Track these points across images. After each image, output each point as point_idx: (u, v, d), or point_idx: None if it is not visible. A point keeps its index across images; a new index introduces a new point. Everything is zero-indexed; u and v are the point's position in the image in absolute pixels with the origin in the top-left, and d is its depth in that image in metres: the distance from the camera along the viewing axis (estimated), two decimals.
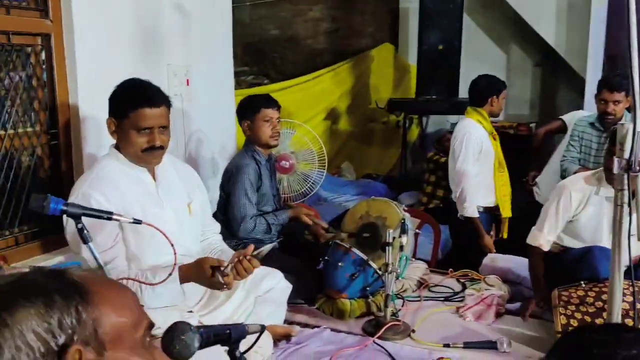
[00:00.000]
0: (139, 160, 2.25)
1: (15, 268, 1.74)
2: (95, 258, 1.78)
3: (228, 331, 1.20)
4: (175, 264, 1.96)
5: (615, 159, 1.66)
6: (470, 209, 3.60)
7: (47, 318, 0.68)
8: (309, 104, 5.96)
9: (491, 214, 3.80)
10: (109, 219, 1.83)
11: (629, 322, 2.22)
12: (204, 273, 2.15)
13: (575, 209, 2.70)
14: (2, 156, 2.84)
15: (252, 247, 2.16)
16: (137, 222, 1.85)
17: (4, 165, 2.85)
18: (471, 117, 3.75)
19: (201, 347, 1.12)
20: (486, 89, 3.79)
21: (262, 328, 1.34)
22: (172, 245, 1.91)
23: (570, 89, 6.11)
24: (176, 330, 1.09)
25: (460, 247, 3.91)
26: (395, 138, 6.63)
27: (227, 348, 1.24)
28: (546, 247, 2.76)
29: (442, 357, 2.12)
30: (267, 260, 2.44)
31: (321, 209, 4.59)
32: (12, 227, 2.96)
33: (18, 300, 0.69)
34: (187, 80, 3.84)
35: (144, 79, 2.36)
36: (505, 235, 3.75)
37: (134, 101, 2.19)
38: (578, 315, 2.36)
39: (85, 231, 1.78)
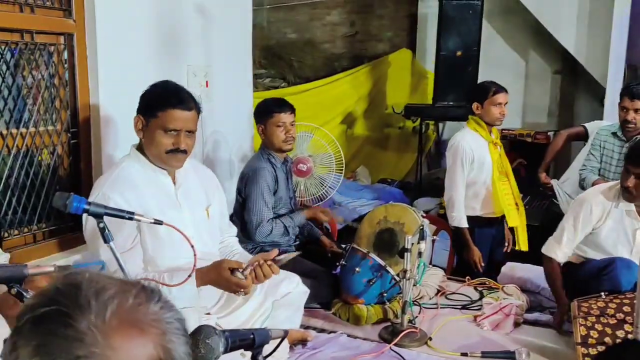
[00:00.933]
0: (161, 162, 2.25)
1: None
2: (116, 258, 1.78)
3: (252, 336, 1.19)
4: (194, 266, 1.95)
5: None
6: (457, 218, 3.55)
7: None
8: (325, 107, 5.97)
9: (497, 225, 3.72)
10: (131, 218, 1.83)
11: None
12: (222, 275, 2.15)
13: (596, 223, 2.67)
14: (23, 154, 2.87)
15: (276, 251, 2.16)
16: (159, 222, 1.85)
17: (25, 163, 2.88)
18: (469, 125, 3.71)
19: (225, 351, 1.11)
20: (471, 95, 3.77)
21: (285, 333, 1.33)
22: (192, 246, 1.90)
23: (590, 97, 6.05)
24: (201, 333, 1.09)
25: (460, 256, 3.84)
26: (411, 143, 6.60)
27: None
28: (562, 260, 2.73)
29: None
30: (284, 264, 2.43)
31: (336, 213, 4.59)
32: (31, 224, 2.99)
33: None
34: (207, 82, 3.86)
35: (177, 83, 2.37)
36: (522, 247, 3.60)
37: (165, 101, 2.20)
38: (599, 327, 2.32)
39: (106, 230, 1.77)
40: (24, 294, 1.33)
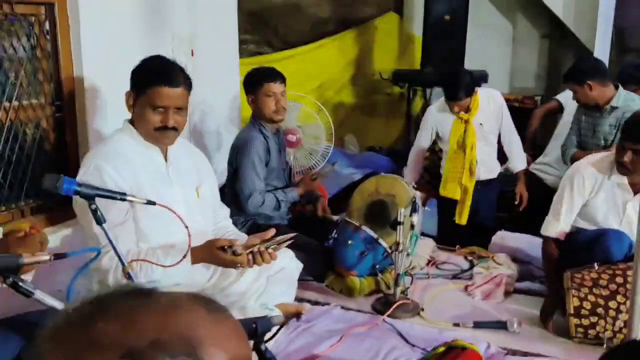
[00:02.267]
0: (151, 139, 2.21)
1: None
2: (109, 240, 1.75)
3: (254, 325, 1.18)
4: (189, 246, 1.94)
5: None
6: (405, 173, 4.03)
7: None
8: (312, 74, 5.87)
9: (484, 188, 3.81)
10: (123, 199, 1.80)
11: None
12: (215, 254, 2.15)
13: (589, 194, 2.67)
14: (7, 129, 2.80)
15: (272, 231, 2.15)
16: (151, 203, 1.82)
17: (9, 138, 2.81)
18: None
19: None
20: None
21: (284, 318, 1.33)
22: (186, 227, 1.88)
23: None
24: None
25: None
26: (398, 110, 6.56)
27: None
28: (562, 236, 2.71)
29: (456, 340, 2.11)
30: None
31: (325, 182, 4.56)
32: (18, 200, 2.94)
33: None
34: (192, 51, 3.77)
35: (169, 58, 2.31)
36: (460, 221, 3.71)
37: (153, 78, 2.15)
38: (591, 298, 2.35)
39: (98, 212, 1.74)
40: (20, 283, 1.31)
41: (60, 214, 3.11)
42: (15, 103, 2.82)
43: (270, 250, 2.16)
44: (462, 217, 3.75)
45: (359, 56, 6.37)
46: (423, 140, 3.94)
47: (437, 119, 3.83)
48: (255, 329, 1.18)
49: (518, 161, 3.83)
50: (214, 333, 0.61)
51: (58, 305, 1.36)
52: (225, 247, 2.15)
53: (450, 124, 3.74)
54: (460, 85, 3.58)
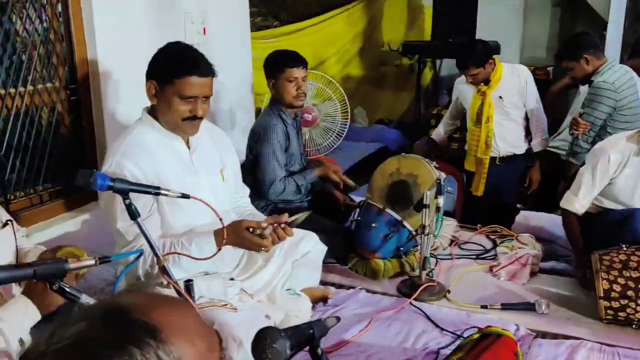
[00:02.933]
0: (177, 129, 2.16)
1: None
2: (145, 235, 1.72)
3: (312, 330, 1.16)
4: (223, 241, 1.91)
5: None
6: (435, 132, 4.30)
7: None
8: (320, 47, 5.79)
9: (507, 165, 3.87)
10: (157, 194, 1.76)
11: None
12: (242, 236, 2.11)
13: (613, 173, 2.64)
14: (22, 113, 2.76)
15: (286, 216, 2.11)
16: (185, 196, 1.79)
17: (25, 123, 2.77)
18: None
19: (290, 351, 1.08)
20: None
21: (338, 320, 1.31)
22: (220, 219, 1.86)
23: (590, 30, 5.90)
24: (267, 337, 1.05)
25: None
26: (407, 82, 6.49)
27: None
28: (580, 212, 2.72)
29: (490, 326, 2.10)
30: (298, 224, 2.41)
31: (336, 157, 4.53)
32: (36, 185, 2.91)
33: None
34: (204, 29, 3.70)
35: (189, 44, 2.24)
36: (475, 192, 3.87)
37: (182, 68, 2.08)
38: (621, 281, 2.33)
39: (133, 207, 1.71)
40: (66, 288, 1.29)
41: (78, 199, 3.09)
42: (30, 88, 2.77)
43: (283, 226, 2.10)
44: (478, 189, 3.84)
45: (367, 28, 6.27)
46: (448, 115, 4.19)
47: (460, 91, 3.95)
48: (313, 334, 1.16)
49: (536, 142, 3.82)
50: (177, 321, 0.66)
51: None
52: (251, 228, 2.12)
53: (471, 96, 3.80)
54: (469, 55, 3.59)
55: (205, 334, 0.70)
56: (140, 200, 1.96)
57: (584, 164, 3.28)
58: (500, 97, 3.71)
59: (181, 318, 0.68)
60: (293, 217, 2.19)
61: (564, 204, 2.78)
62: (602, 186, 2.67)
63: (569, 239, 2.81)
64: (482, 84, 3.67)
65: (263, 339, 1.05)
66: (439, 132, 4.26)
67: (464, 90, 3.89)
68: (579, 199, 2.72)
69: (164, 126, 2.17)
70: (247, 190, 2.64)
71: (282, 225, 2.12)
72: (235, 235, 2.09)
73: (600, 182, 2.67)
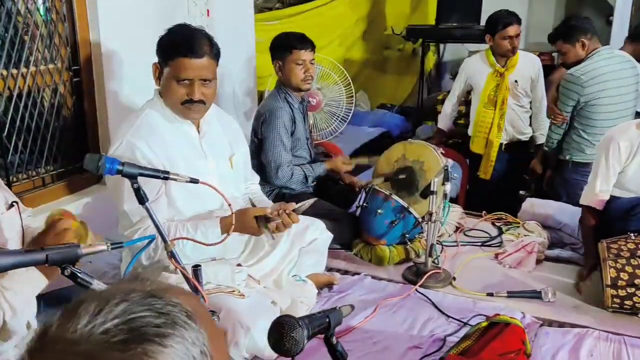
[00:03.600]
0: (179, 112, 2.13)
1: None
2: (153, 219, 1.70)
3: (327, 319, 1.14)
4: (232, 224, 1.89)
5: None
6: (440, 119, 4.25)
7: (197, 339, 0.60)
8: (323, 30, 5.71)
9: (513, 151, 3.89)
10: (166, 178, 1.74)
11: None
12: (248, 224, 2.11)
13: (626, 160, 2.62)
14: (25, 95, 2.72)
15: (293, 204, 2.10)
16: (194, 181, 1.76)
17: (27, 104, 2.74)
18: (486, 50, 3.88)
19: (307, 341, 1.06)
20: (486, 26, 3.82)
21: (352, 308, 1.30)
22: (229, 205, 1.84)
23: (596, 16, 5.86)
24: (284, 326, 1.03)
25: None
26: (411, 66, 6.44)
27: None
28: (600, 204, 2.67)
29: (498, 314, 2.09)
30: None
31: (339, 142, 4.50)
32: (38, 167, 2.89)
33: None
34: (208, 11, 3.65)
35: (196, 26, 2.19)
36: (482, 175, 3.86)
37: (175, 49, 2.05)
38: (629, 269, 2.32)
39: (141, 191, 1.68)
40: (78, 274, 1.27)
41: (81, 181, 3.07)
42: (32, 69, 2.74)
43: (289, 212, 2.11)
44: (486, 173, 3.83)
45: (371, 11, 6.20)
46: (456, 93, 4.03)
47: (473, 70, 3.89)
48: (329, 323, 1.14)
49: (540, 134, 3.84)
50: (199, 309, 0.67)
51: None
52: (259, 216, 2.10)
53: (485, 76, 3.76)
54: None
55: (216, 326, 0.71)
56: (148, 183, 1.94)
57: (559, 150, 3.36)
58: (516, 82, 3.75)
59: (200, 308, 0.69)
60: (299, 204, 2.18)
61: (582, 200, 2.74)
62: (616, 173, 2.65)
63: (584, 239, 2.79)
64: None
65: (280, 327, 1.03)
66: (445, 120, 4.19)
67: (476, 70, 3.85)
68: (596, 191, 2.67)
69: (170, 109, 2.14)
70: (257, 178, 2.62)
71: (288, 212, 2.11)
72: (240, 224, 2.08)
73: (614, 169, 2.64)
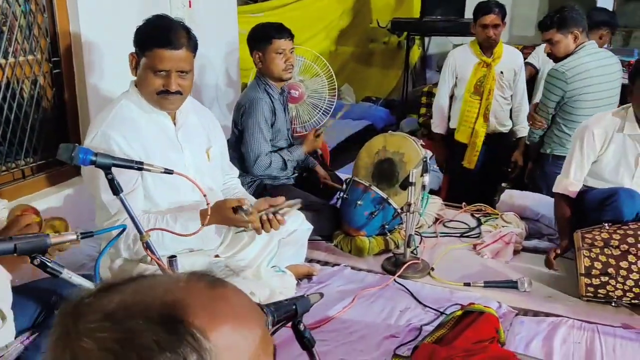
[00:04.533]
0: (155, 103, 2.12)
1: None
2: (127, 210, 1.70)
3: (294, 307, 1.15)
4: (208, 214, 1.90)
5: None
6: (434, 125, 4.09)
7: None
8: (308, 23, 5.72)
9: (493, 143, 3.90)
10: (140, 169, 1.74)
11: None
12: (226, 215, 2.12)
13: (600, 149, 2.66)
14: (3, 86, 2.71)
15: (282, 198, 2.12)
16: (169, 172, 1.77)
17: (6, 96, 2.72)
18: (471, 41, 3.91)
19: (272, 326, 1.07)
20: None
21: (321, 296, 1.31)
22: (204, 195, 1.85)
23: (580, 8, 5.89)
24: None
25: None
26: (395, 59, 6.45)
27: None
28: (573, 193, 2.72)
29: (472, 303, 2.12)
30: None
31: (325, 135, 4.51)
32: (18, 159, 2.88)
33: None
34: (190, 2, 3.64)
35: (174, 18, 2.19)
36: (467, 164, 3.86)
37: (152, 40, 2.04)
38: (602, 258, 2.36)
39: (115, 182, 1.69)
40: (48, 263, 1.27)
41: (61, 173, 3.06)
42: (11, 59, 2.72)
43: (279, 217, 2.15)
44: (470, 162, 3.85)
45: (356, 4, 6.21)
46: (446, 86, 3.97)
47: (459, 61, 3.88)
48: (296, 310, 1.15)
49: (522, 127, 3.87)
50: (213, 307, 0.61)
51: (86, 284, 1.33)
52: (236, 206, 2.11)
53: (472, 67, 3.78)
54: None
55: (259, 337, 0.64)
56: (124, 175, 1.94)
57: (540, 143, 3.39)
58: (502, 73, 3.78)
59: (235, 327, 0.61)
60: (286, 204, 2.19)
61: (555, 187, 2.78)
62: (590, 162, 2.68)
63: (558, 224, 2.83)
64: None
65: None
66: (442, 121, 4.03)
67: (464, 62, 3.83)
68: (571, 179, 2.72)
69: (147, 100, 2.14)
70: (237, 171, 2.63)
71: (278, 217, 2.15)
72: (220, 213, 2.09)
73: (589, 158, 2.68)
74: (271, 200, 2.17)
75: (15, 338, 1.63)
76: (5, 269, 1.46)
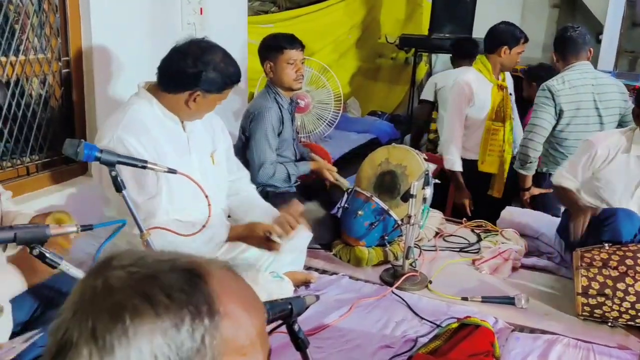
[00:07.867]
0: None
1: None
2: (129, 206, 1.72)
3: (290, 306, 1.17)
4: (209, 215, 1.91)
5: None
6: (451, 161, 3.62)
7: (170, 341, 0.58)
8: (317, 35, 5.77)
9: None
10: (144, 167, 1.76)
11: None
12: (256, 236, 2.26)
13: (599, 165, 2.69)
14: (13, 83, 2.74)
15: (301, 206, 2.19)
16: (172, 171, 1.79)
17: (15, 93, 2.75)
18: (475, 65, 3.68)
19: (268, 324, 1.08)
20: (501, 36, 3.57)
21: (317, 298, 1.32)
22: (206, 196, 1.86)
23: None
24: None
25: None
26: (402, 75, 6.49)
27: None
28: (572, 188, 2.80)
29: (469, 317, 2.12)
30: (285, 207, 2.43)
31: (327, 146, 4.53)
32: (23, 156, 2.90)
33: (147, 309, 0.58)
34: (201, 9, 3.68)
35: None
36: (495, 194, 3.64)
37: (229, 81, 2.28)
38: (600, 279, 2.36)
39: (119, 179, 1.71)
40: (46, 254, 1.28)
41: (66, 172, 3.08)
42: (21, 57, 2.75)
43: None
44: (499, 191, 3.64)
45: (365, 19, 6.26)
46: (462, 117, 3.64)
47: (475, 88, 3.58)
48: (291, 310, 1.16)
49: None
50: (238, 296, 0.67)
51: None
52: (267, 232, 2.23)
53: (489, 92, 3.58)
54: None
55: (260, 333, 0.68)
56: (148, 179, 2.02)
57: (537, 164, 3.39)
58: (511, 94, 3.73)
59: (244, 309, 0.66)
60: (310, 209, 2.29)
61: (554, 179, 2.88)
62: (584, 175, 2.74)
63: (563, 202, 2.89)
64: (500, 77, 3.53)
65: None
66: (457, 156, 3.65)
67: (478, 85, 3.57)
68: (563, 172, 2.83)
69: (164, 105, 2.17)
70: (247, 173, 2.65)
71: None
72: (249, 233, 2.28)
73: (584, 172, 2.75)
74: (292, 210, 2.26)
75: (13, 331, 1.64)
76: (24, 277, 1.45)
